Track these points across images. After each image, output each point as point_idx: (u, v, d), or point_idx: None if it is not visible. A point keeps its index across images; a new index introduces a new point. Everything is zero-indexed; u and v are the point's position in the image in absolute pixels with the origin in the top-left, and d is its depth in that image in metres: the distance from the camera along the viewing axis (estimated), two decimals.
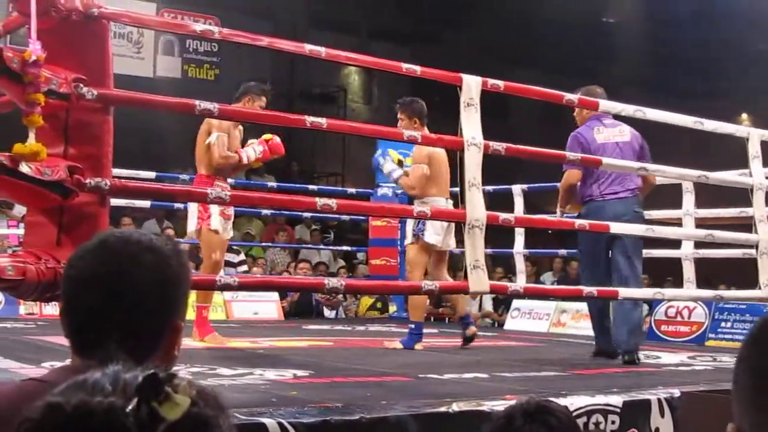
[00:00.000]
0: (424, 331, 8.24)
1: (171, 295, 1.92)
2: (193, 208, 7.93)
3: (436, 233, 8.10)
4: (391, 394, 4.90)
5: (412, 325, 8.34)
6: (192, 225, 7.91)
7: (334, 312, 13.53)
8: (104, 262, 1.87)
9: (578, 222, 6.92)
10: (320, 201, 5.44)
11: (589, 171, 7.32)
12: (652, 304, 10.52)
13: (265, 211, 13.49)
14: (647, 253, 9.70)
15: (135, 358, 1.85)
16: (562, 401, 4.59)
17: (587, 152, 7.12)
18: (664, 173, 7.42)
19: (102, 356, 1.82)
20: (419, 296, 8.10)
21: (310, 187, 14.17)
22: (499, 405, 4.32)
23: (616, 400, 4.87)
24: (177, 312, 1.93)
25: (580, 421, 4.61)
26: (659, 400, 5.03)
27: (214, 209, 7.70)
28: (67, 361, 1.96)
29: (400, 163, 8.98)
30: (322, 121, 5.39)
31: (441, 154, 8.11)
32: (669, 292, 8.74)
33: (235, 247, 13.87)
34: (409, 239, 8.37)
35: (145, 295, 1.87)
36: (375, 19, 23.80)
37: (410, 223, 8.40)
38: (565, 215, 7.46)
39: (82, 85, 4.42)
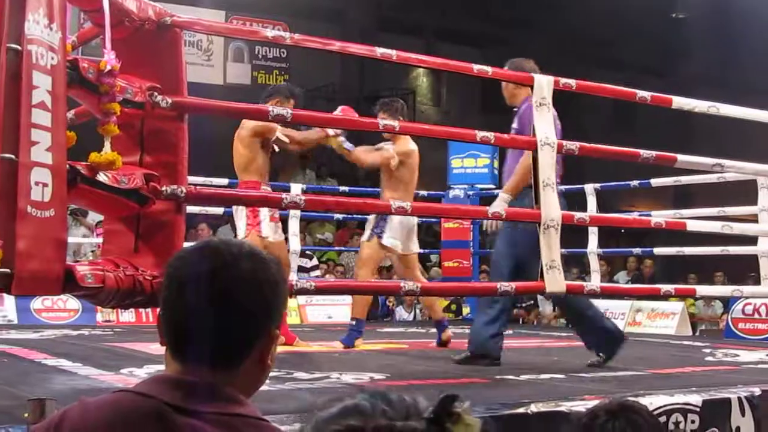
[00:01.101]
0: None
1: (268, 302, 1.92)
2: (241, 214, 7.77)
3: (393, 237, 7.95)
4: (469, 396, 4.84)
5: (353, 322, 8.22)
6: (241, 232, 7.73)
7: (411, 314, 13.52)
8: (205, 263, 1.88)
9: (654, 220, 6.85)
10: (395, 204, 5.44)
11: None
12: (729, 301, 10.39)
13: (337, 216, 13.50)
14: (724, 249, 9.60)
15: (230, 365, 1.87)
16: (641, 401, 4.55)
17: None
18: (741, 169, 7.32)
19: (198, 362, 1.85)
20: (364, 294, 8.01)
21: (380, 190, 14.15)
22: (577, 406, 4.29)
23: (696, 399, 4.81)
24: (272, 319, 1.93)
25: (660, 421, 4.57)
26: (739, 398, 4.96)
27: (264, 215, 7.63)
28: (157, 370, 1.98)
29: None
30: (395, 124, 5.39)
31: (416, 160, 7.99)
32: (747, 289, 8.61)
33: (308, 252, 13.91)
34: (366, 237, 8.13)
35: (243, 301, 1.87)
36: (443, 21, 23.81)
37: (370, 221, 8.15)
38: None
39: (156, 93, 4.46)
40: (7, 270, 3.49)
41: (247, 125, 7.58)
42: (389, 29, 22.37)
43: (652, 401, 4.64)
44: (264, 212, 7.60)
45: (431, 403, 1.32)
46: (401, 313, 13.56)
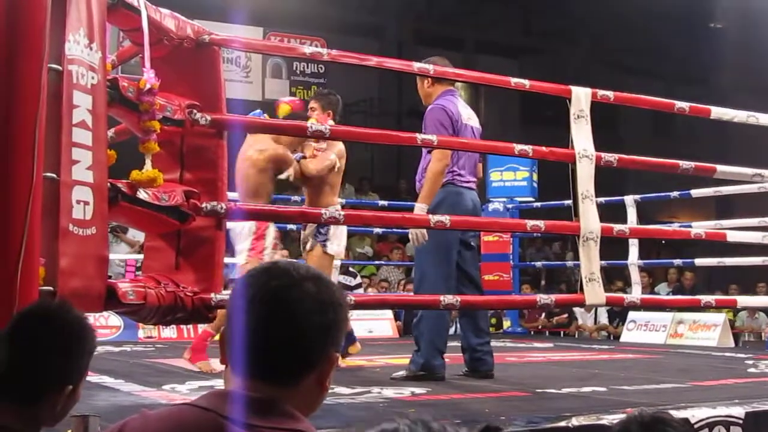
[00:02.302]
0: (540, 345, 8.14)
1: (330, 322, 1.93)
2: (245, 238, 7.32)
3: (338, 244, 7.62)
4: (511, 409, 4.87)
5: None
6: (242, 256, 7.35)
7: (453, 327, 13.49)
8: (271, 283, 1.90)
9: (694, 231, 6.82)
10: (434, 218, 5.45)
11: (453, 154, 6.54)
12: None
13: (376, 230, 13.51)
14: (765, 261, 9.53)
15: (289, 384, 1.89)
16: (683, 413, 4.54)
17: (454, 128, 6.53)
18: None
19: (258, 379, 1.87)
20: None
21: None
22: (618, 419, 4.27)
23: (739, 411, 4.77)
24: (333, 341, 1.94)
25: None
26: None
27: (269, 242, 7.30)
28: (199, 386, 2.00)
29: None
30: (433, 138, 5.40)
31: (343, 161, 7.67)
32: None
33: (351, 269, 13.91)
34: (309, 246, 7.67)
35: (307, 322, 1.89)
36: (481, 33, 23.80)
37: (310, 229, 7.64)
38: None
39: (195, 111, 4.51)
40: (50, 288, 3.52)
41: (265, 152, 7.17)
42: (427, 43, 22.38)
43: (694, 413, 4.61)
44: (270, 239, 7.31)
45: None
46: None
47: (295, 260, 2.05)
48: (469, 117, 6.72)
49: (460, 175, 6.59)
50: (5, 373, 2.52)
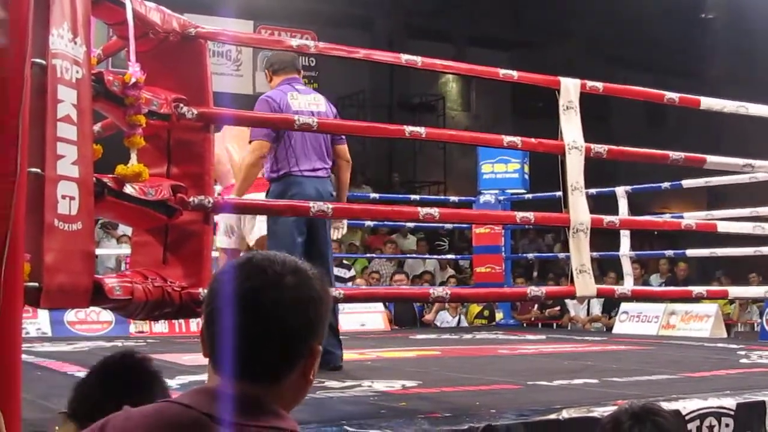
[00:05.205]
0: (533, 337, 8.13)
1: (311, 317, 1.91)
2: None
3: (226, 235, 7.58)
4: (501, 402, 4.86)
5: None
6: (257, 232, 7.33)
7: (455, 318, 13.46)
8: (248, 278, 1.88)
9: (685, 222, 6.80)
10: (423, 210, 5.43)
11: (284, 143, 6.50)
12: (765, 303, 10.31)
13: (368, 223, 13.51)
14: (758, 250, 9.53)
15: (272, 380, 1.88)
16: (674, 405, 4.53)
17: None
18: None
19: (239, 376, 1.85)
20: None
21: (412, 197, 14.17)
22: (609, 411, 4.25)
23: (730, 402, 4.77)
24: (315, 335, 1.93)
25: (694, 425, 4.54)
26: None
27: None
28: (189, 381, 1.99)
29: None
30: (421, 131, 5.38)
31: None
32: None
33: (345, 262, 13.90)
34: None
35: (287, 318, 1.87)
36: (472, 26, 23.81)
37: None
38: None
39: (182, 104, 4.47)
40: (36, 284, 3.50)
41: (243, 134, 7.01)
42: (418, 36, 22.42)
43: (686, 405, 4.61)
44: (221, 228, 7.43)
45: None
46: (445, 317, 13.50)
47: (272, 252, 2.02)
48: (309, 103, 6.60)
49: (297, 164, 6.52)
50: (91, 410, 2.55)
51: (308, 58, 19.68)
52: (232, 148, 7.55)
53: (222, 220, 7.50)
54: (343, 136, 6.78)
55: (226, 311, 1.87)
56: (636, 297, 9.87)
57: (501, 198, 12.63)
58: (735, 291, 6.63)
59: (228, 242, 7.66)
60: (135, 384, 2.72)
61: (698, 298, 7.20)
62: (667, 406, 4.30)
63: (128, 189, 4.16)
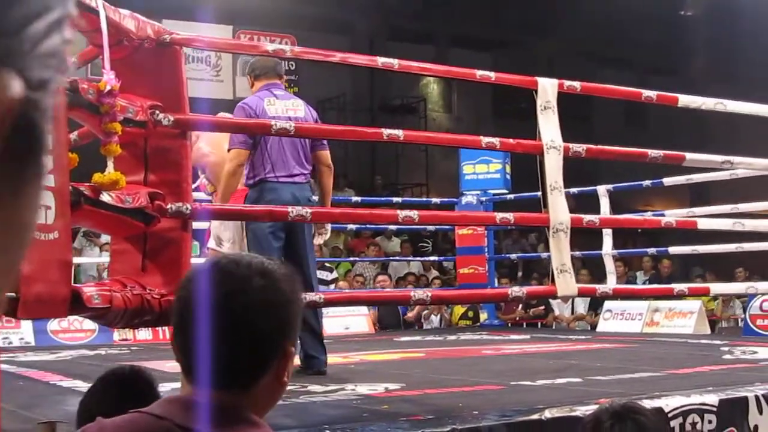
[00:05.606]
0: (517, 337, 8.13)
1: (281, 319, 1.90)
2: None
3: (217, 245, 7.41)
4: (483, 403, 4.86)
5: None
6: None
7: (438, 317, 13.46)
8: (214, 283, 1.86)
9: (665, 220, 6.82)
10: (402, 213, 5.43)
11: (259, 150, 6.54)
12: (747, 298, 10.33)
13: (350, 226, 13.52)
14: (739, 246, 9.55)
15: (245, 385, 1.87)
16: (657, 402, 4.54)
17: None
18: (750, 165, 7.28)
19: (212, 384, 1.84)
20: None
21: (394, 199, 14.18)
22: (592, 410, 4.26)
23: (712, 399, 4.78)
24: (287, 337, 1.91)
25: (676, 422, 4.54)
26: (756, 397, 4.93)
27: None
28: (171, 388, 1.98)
29: None
30: (399, 133, 5.38)
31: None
32: (762, 285, 8.54)
33: (327, 265, 13.90)
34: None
35: (257, 322, 1.85)
36: (454, 27, 23.84)
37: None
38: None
39: (158, 111, 4.46)
40: (12, 294, 3.49)
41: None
42: (400, 38, 22.42)
43: (668, 402, 4.62)
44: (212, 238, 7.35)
45: None
46: (432, 318, 13.51)
47: (239, 254, 2.01)
48: (287, 109, 6.61)
49: (273, 170, 6.55)
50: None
51: (288, 62, 19.71)
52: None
53: (219, 231, 7.40)
54: (325, 142, 6.80)
55: (194, 318, 1.85)
56: (618, 295, 9.87)
57: (483, 199, 12.63)
58: (716, 288, 6.66)
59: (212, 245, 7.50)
60: (135, 394, 2.75)
61: (680, 296, 7.20)
62: (649, 403, 4.31)
63: (105, 197, 4.15)
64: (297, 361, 6.86)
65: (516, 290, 5.89)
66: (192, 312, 1.86)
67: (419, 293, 5.49)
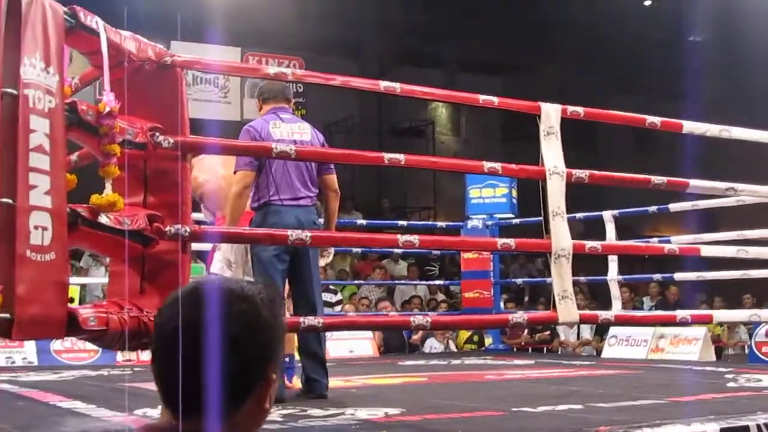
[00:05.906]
0: (521, 362, 8.08)
1: (262, 345, 1.87)
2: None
3: (223, 270, 7.23)
4: (483, 429, 4.85)
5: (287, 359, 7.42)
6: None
7: (442, 345, 13.40)
8: (193, 310, 1.83)
9: (668, 247, 6.79)
10: (402, 238, 5.42)
11: (264, 173, 6.55)
12: (753, 326, 10.29)
13: (356, 249, 13.50)
14: (745, 273, 9.52)
15: (225, 413, 1.83)
16: (657, 431, 4.50)
17: None
18: (754, 193, 7.24)
19: (191, 412, 1.81)
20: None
21: (400, 222, 14.16)
22: None
23: (713, 427, 4.72)
24: (269, 361, 1.89)
25: None
26: (758, 425, 4.87)
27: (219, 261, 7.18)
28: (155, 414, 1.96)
29: None
30: (401, 157, 5.36)
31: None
32: (765, 313, 8.49)
33: (332, 287, 13.87)
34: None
35: (235, 345, 1.82)
36: (464, 51, 23.84)
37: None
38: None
39: (158, 133, 4.47)
40: (7, 315, 3.48)
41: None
42: (409, 61, 22.45)
43: (669, 431, 4.58)
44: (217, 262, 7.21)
45: None
46: (432, 343, 13.45)
47: (218, 279, 1.98)
48: (292, 132, 6.63)
49: (277, 193, 6.56)
50: None
51: (296, 85, 19.74)
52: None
53: (222, 254, 7.25)
54: (332, 166, 6.81)
55: (171, 345, 1.82)
56: (620, 322, 9.83)
57: (489, 223, 12.62)
58: (720, 315, 6.62)
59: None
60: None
61: (683, 324, 7.16)
62: None
63: (103, 219, 4.15)
64: (298, 384, 6.86)
65: (517, 316, 5.86)
66: (169, 338, 1.84)
67: (419, 318, 5.46)
